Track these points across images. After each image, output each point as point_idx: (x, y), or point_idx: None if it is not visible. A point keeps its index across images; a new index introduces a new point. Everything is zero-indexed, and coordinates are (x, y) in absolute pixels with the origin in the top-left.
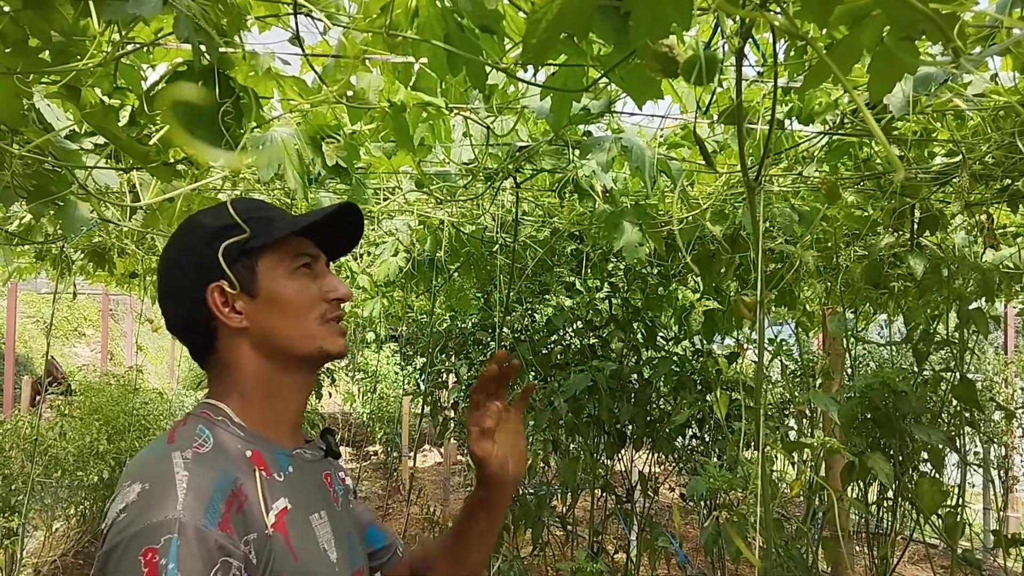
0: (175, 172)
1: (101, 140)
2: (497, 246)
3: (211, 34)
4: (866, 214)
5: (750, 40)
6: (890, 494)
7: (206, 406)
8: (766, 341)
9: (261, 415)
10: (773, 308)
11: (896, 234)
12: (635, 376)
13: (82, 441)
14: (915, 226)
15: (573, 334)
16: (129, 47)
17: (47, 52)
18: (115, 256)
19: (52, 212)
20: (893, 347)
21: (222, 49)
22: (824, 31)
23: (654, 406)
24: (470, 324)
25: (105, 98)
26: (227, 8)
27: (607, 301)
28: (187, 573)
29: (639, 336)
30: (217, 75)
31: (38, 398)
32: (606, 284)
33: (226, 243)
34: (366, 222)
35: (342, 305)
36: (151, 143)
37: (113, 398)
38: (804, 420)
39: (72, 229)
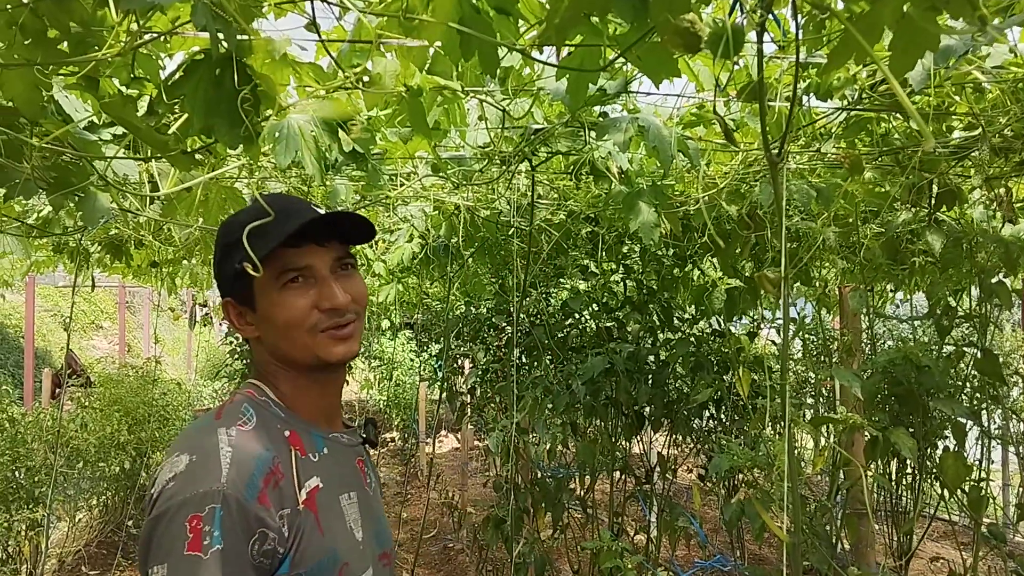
0: (194, 161)
1: (120, 130)
2: (512, 230)
3: (228, 22)
4: (884, 190)
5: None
6: (910, 470)
7: (252, 386)
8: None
9: (296, 402)
10: (794, 286)
11: (914, 210)
12: (652, 358)
13: (103, 432)
14: (933, 201)
15: (589, 317)
16: (147, 37)
17: (65, 43)
18: (132, 248)
19: (72, 204)
20: (913, 322)
21: (240, 37)
22: (843, 7)
23: (671, 387)
24: (485, 309)
25: (123, 88)
26: None
27: (623, 283)
28: (229, 541)
29: (655, 318)
30: (235, 63)
31: (58, 391)
32: (621, 266)
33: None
34: (381, 209)
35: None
36: (169, 132)
37: (132, 389)
38: (821, 399)
39: (92, 220)
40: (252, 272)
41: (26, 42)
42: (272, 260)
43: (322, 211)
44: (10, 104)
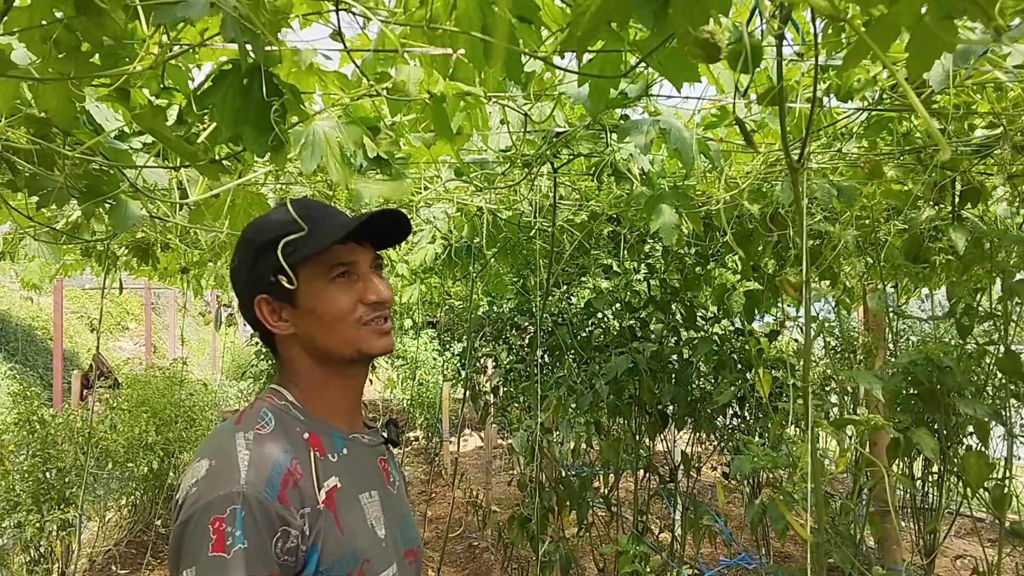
0: (222, 168)
1: (150, 139)
2: (535, 231)
3: (256, 33)
4: (906, 188)
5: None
6: (935, 469)
7: (272, 391)
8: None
9: (317, 403)
10: (816, 285)
11: (937, 208)
12: (675, 357)
13: (131, 433)
14: (956, 199)
15: (612, 316)
16: (176, 49)
17: (98, 56)
18: (158, 251)
19: (104, 211)
20: (935, 321)
21: (267, 48)
22: (861, 9)
23: (695, 386)
24: (508, 309)
25: (153, 99)
26: (270, 8)
27: (645, 282)
28: (252, 540)
29: (678, 317)
30: (263, 73)
31: (87, 392)
32: (644, 265)
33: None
34: (404, 210)
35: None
36: (199, 141)
37: (159, 390)
38: (846, 397)
39: (123, 226)
40: (284, 283)
41: (60, 56)
42: (322, 255)
43: (347, 215)
44: (43, 115)
